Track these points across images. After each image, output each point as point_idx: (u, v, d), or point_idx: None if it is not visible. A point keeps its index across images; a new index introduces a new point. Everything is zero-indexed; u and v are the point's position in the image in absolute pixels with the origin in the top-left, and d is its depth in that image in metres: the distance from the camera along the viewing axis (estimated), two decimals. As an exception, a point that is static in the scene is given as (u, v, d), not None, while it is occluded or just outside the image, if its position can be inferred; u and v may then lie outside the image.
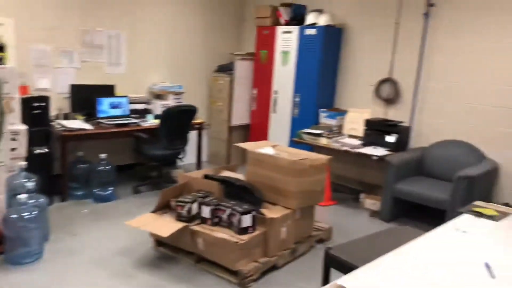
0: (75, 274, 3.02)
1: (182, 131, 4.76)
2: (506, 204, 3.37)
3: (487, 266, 1.64)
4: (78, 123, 4.45)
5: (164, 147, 4.62)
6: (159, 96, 5.39)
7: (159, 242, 3.41)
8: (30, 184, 3.19)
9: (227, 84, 5.78)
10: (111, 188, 4.45)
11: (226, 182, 3.42)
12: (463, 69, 4.35)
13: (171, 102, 5.28)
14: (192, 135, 5.10)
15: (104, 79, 5.03)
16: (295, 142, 4.91)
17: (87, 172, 4.46)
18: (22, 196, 3.03)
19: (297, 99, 5.27)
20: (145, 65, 5.40)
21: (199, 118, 5.25)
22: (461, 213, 2.28)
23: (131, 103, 5.03)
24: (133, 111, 5.04)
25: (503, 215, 2.25)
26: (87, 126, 4.41)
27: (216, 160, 6.02)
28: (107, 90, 4.92)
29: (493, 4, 4.12)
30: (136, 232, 3.33)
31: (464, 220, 2.17)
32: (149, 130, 4.71)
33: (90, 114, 4.72)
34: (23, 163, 3.43)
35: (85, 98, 4.72)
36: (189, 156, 5.03)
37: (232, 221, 3.07)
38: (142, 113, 5.09)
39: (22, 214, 3.02)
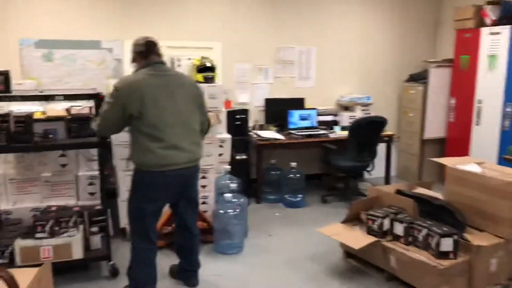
0: (270, 271, 3.22)
1: (370, 143, 4.65)
2: None
3: None
4: (271, 134, 4.78)
5: (352, 159, 4.58)
6: (347, 108, 5.40)
7: (349, 253, 3.36)
8: (233, 185, 3.55)
9: (420, 94, 5.42)
10: (301, 195, 4.63)
11: (421, 200, 3.19)
12: None
13: (358, 113, 5.23)
14: (381, 147, 4.93)
15: (294, 92, 5.30)
16: (507, 160, 4.24)
17: (279, 178, 4.74)
18: (228, 195, 3.40)
19: (508, 109, 4.57)
20: (333, 78, 5.49)
21: (388, 130, 5.06)
22: None
23: (319, 115, 5.17)
24: (321, 123, 5.17)
25: None
26: (279, 136, 4.69)
27: (405, 176, 5.69)
28: (297, 103, 5.17)
29: None
30: (325, 240, 3.36)
31: None
32: (337, 141, 4.75)
33: (282, 125, 5.05)
34: (228, 167, 3.85)
35: (277, 110, 5.06)
36: (377, 169, 4.88)
37: (429, 242, 2.82)
38: (330, 125, 5.17)
39: (228, 210, 3.40)
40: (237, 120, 4.61)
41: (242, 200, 3.57)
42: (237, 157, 4.48)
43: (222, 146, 4.03)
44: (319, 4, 5.27)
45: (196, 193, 2.87)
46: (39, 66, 4.22)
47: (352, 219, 3.40)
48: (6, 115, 2.83)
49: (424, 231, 2.86)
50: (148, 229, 2.62)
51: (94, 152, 3.52)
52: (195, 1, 4.76)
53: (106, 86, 4.30)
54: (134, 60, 2.64)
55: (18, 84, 3.65)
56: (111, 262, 3.06)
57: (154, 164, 2.47)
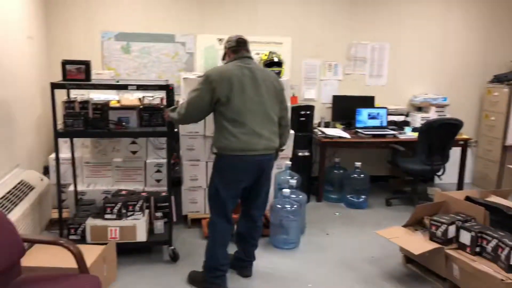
0: (324, 269, 3.18)
1: (443, 146, 4.38)
2: None
3: None
4: (337, 131, 4.69)
5: (422, 162, 4.36)
6: (420, 109, 5.15)
7: (408, 258, 3.21)
8: (293, 182, 3.54)
9: (505, 96, 5.00)
10: (364, 196, 4.50)
11: (494, 209, 2.96)
12: None
13: (432, 114, 4.96)
14: (455, 152, 4.64)
15: (364, 90, 5.15)
16: None
17: (341, 177, 4.64)
18: (287, 191, 3.39)
19: None
20: (407, 76, 5.25)
21: (463, 134, 4.74)
22: None
23: (389, 114, 4.98)
24: (391, 123, 4.98)
25: None
26: (345, 135, 4.59)
27: (482, 183, 5.30)
28: (367, 101, 5.02)
29: None
30: (385, 243, 3.25)
31: None
32: (407, 143, 4.53)
33: (348, 124, 4.94)
34: (289, 163, 3.84)
35: (345, 108, 4.96)
36: (449, 175, 4.59)
37: (499, 254, 2.61)
38: (400, 125, 4.96)
39: (286, 206, 3.40)
40: (301, 116, 4.58)
41: (300, 196, 3.56)
42: (300, 154, 4.46)
43: (285, 141, 4.03)
44: (397, 0, 5.06)
45: (269, 184, 2.94)
46: (118, 58, 4.52)
47: (415, 224, 3.24)
48: (86, 102, 3.05)
49: (494, 242, 2.66)
50: (227, 210, 2.77)
51: (162, 141, 3.70)
52: (267, -3, 4.81)
53: (178, 78, 4.52)
54: (224, 56, 2.85)
55: (98, 74, 3.94)
56: (172, 247, 3.19)
57: (235, 148, 2.61)
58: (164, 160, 3.76)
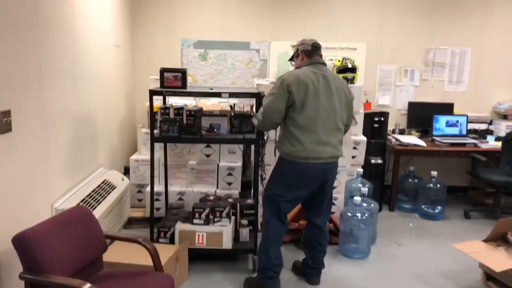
0: (395, 281, 3.08)
1: (530, 157, 4.07)
2: None
3: None
4: (412, 139, 4.53)
5: (506, 173, 4.08)
6: (505, 117, 4.82)
7: (489, 276, 3.02)
8: (365, 189, 3.47)
9: None
10: (439, 207, 4.30)
11: None
12: None
13: (519, 123, 4.63)
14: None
15: (443, 97, 4.93)
16: None
17: (416, 187, 4.46)
18: (357, 198, 3.34)
19: None
20: (490, 82, 4.94)
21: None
22: None
23: (469, 122, 4.72)
24: (471, 131, 4.73)
25: None
26: (421, 143, 4.42)
27: None
28: (445, 108, 4.81)
29: None
30: (462, 257, 3.08)
31: None
32: (489, 153, 4.27)
33: (424, 131, 4.78)
34: (360, 170, 3.78)
35: (421, 115, 4.80)
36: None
37: None
38: (482, 134, 4.70)
39: (356, 214, 3.34)
40: (375, 123, 4.48)
41: (372, 205, 3.49)
42: (372, 161, 4.36)
43: (356, 148, 3.98)
44: (481, 3, 4.79)
45: (331, 191, 2.91)
46: (196, 65, 4.73)
47: (496, 239, 3.04)
48: (181, 109, 3.08)
49: None
50: (283, 212, 2.78)
51: (234, 145, 3.81)
52: (342, 4, 4.76)
53: (251, 84, 4.63)
54: (296, 56, 2.83)
55: (177, 80, 4.14)
56: (255, 257, 3.07)
57: (301, 156, 2.60)
58: (236, 164, 3.88)
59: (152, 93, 3.02)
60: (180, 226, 3.13)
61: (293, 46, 2.89)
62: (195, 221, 3.12)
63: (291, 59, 2.93)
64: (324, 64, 2.77)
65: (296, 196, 2.76)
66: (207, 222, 3.13)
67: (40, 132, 2.56)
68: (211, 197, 3.52)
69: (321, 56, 2.79)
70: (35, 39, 2.48)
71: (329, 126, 2.63)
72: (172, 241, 3.15)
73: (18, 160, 2.31)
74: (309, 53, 2.75)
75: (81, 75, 3.22)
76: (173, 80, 3.03)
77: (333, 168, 2.77)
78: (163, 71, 3.04)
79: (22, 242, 1.89)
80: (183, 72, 3.04)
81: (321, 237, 2.93)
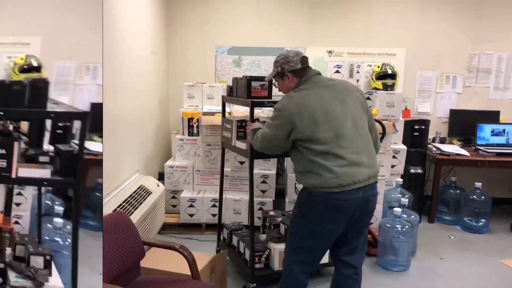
0: (437, 298, 2.92)
1: None
2: None
3: None
4: (454, 148, 4.35)
5: (557, 185, 3.83)
6: (558, 125, 4.55)
7: (541, 296, 2.82)
8: (405, 200, 3.32)
9: None
10: (484, 220, 4.08)
11: None
12: None
13: None
14: None
15: (488, 104, 4.72)
16: None
17: (458, 198, 4.26)
18: (397, 209, 3.20)
19: None
20: (540, 89, 4.68)
21: None
22: None
23: (518, 131, 4.48)
24: (519, 141, 4.48)
25: None
26: (464, 152, 4.24)
27: None
28: (490, 116, 4.60)
29: None
30: (509, 273, 2.88)
31: None
32: (538, 163, 4.03)
33: (467, 140, 4.58)
34: (400, 180, 3.64)
35: (464, 123, 4.60)
36: None
37: None
38: (531, 143, 4.44)
39: (396, 225, 3.21)
40: (415, 131, 4.31)
41: (412, 216, 3.33)
42: (412, 171, 4.19)
43: (395, 157, 3.84)
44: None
45: (370, 220, 2.38)
46: (229, 71, 4.71)
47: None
48: (244, 121, 2.91)
49: None
50: (312, 264, 2.33)
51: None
52: (382, 8, 4.65)
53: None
54: (281, 76, 2.35)
55: (211, 87, 4.14)
56: None
57: (333, 184, 2.09)
58: (270, 172, 3.82)
59: (253, 104, 2.77)
60: (278, 247, 2.88)
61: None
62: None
63: (271, 79, 2.48)
64: (319, 73, 2.32)
65: (329, 238, 2.23)
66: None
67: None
68: (271, 212, 3.35)
69: (311, 68, 2.33)
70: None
71: (356, 142, 2.16)
72: (267, 265, 2.92)
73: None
74: (299, 72, 2.28)
75: (120, 82, 3.25)
76: (260, 90, 2.86)
77: (373, 189, 2.22)
78: (250, 80, 2.81)
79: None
80: (269, 81, 2.78)
81: (356, 281, 2.31)
